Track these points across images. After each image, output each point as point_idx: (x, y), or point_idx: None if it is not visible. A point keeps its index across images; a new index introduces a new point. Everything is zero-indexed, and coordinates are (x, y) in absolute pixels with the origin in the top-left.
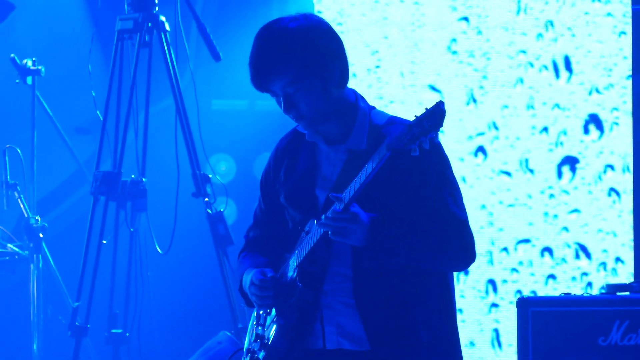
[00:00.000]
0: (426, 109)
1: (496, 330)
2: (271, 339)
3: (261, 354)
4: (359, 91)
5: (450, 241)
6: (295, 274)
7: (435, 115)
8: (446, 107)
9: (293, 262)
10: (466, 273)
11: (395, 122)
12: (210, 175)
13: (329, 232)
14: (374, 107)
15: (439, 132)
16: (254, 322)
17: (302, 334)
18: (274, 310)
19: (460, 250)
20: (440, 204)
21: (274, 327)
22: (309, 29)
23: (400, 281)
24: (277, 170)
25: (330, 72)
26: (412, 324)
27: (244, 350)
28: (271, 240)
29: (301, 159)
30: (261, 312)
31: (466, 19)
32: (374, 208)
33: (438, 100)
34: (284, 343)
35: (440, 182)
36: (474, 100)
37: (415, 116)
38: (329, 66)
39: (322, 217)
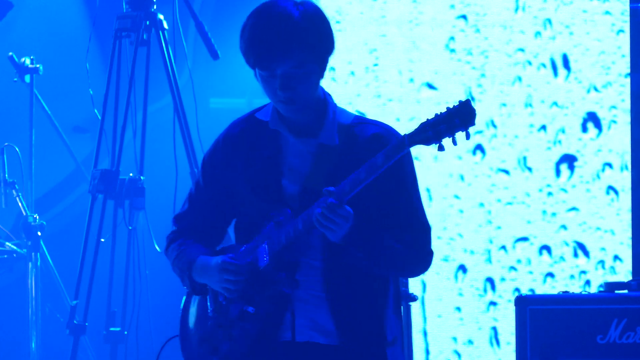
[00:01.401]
0: (448, 107)
1: (494, 329)
2: (238, 328)
3: (224, 344)
4: (358, 90)
5: (416, 252)
6: (268, 262)
7: (465, 112)
8: (445, 105)
9: (263, 251)
10: (464, 271)
11: (366, 122)
12: None
13: (319, 223)
14: (336, 105)
15: (468, 131)
16: (211, 310)
17: (271, 324)
18: (236, 299)
19: (422, 260)
20: (410, 210)
21: (242, 315)
22: (316, 15)
23: (369, 278)
24: (229, 155)
25: (326, 61)
26: (379, 323)
27: (197, 338)
28: (208, 228)
29: (263, 148)
30: (221, 300)
31: (464, 17)
32: (351, 206)
33: (466, 99)
34: (252, 333)
35: (411, 187)
36: (472, 99)
37: (440, 112)
38: (327, 55)
39: (321, 207)
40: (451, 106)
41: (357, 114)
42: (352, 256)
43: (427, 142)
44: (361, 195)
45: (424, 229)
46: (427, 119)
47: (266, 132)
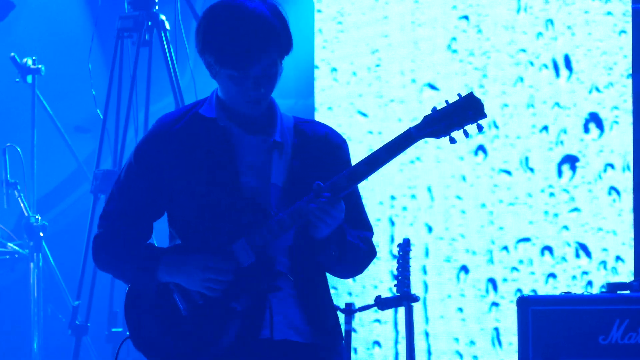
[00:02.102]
0: (447, 101)
1: (496, 329)
2: (222, 326)
3: (208, 342)
4: (360, 90)
5: (368, 250)
6: (254, 260)
7: (474, 104)
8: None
9: (243, 248)
10: (466, 272)
11: (309, 121)
12: None
13: (318, 217)
14: None
15: (480, 123)
16: (184, 309)
17: (253, 322)
18: (215, 297)
19: (369, 259)
20: (359, 210)
21: (229, 313)
22: (282, 13)
23: (324, 277)
24: (170, 151)
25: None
26: (336, 320)
27: (169, 339)
28: (139, 224)
29: (214, 145)
30: (197, 299)
31: (466, 17)
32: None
33: (469, 92)
34: (235, 331)
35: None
36: None
37: (444, 106)
38: (289, 52)
39: (318, 202)
40: (452, 100)
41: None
42: (327, 253)
43: (438, 135)
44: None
45: (371, 229)
46: (432, 112)
47: (214, 128)
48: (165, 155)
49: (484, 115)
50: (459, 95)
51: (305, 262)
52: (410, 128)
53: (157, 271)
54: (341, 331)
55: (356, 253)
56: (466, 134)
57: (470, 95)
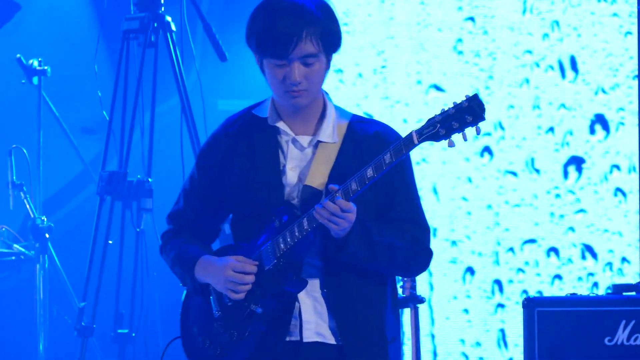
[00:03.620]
0: (455, 103)
1: (502, 331)
2: (247, 329)
3: (233, 345)
4: (365, 91)
5: (417, 250)
6: (275, 263)
7: (475, 107)
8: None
9: (268, 251)
10: (472, 273)
11: (365, 120)
12: None
13: (325, 219)
14: (334, 103)
15: (479, 126)
16: (217, 311)
17: (279, 324)
18: (241, 299)
19: (422, 259)
20: (411, 208)
21: (251, 316)
22: (330, 10)
23: (367, 278)
24: (226, 152)
25: (331, 57)
26: (378, 322)
27: (202, 340)
28: (203, 225)
29: (262, 145)
30: (227, 301)
31: (472, 19)
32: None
33: (474, 93)
34: (261, 333)
35: (412, 184)
36: None
37: (448, 108)
38: (335, 50)
39: (323, 203)
40: (458, 102)
41: (354, 113)
42: (351, 254)
43: (437, 139)
44: (364, 191)
45: (425, 228)
46: (435, 115)
47: (265, 128)
48: (223, 157)
49: (482, 119)
50: (466, 96)
51: (338, 264)
52: (412, 131)
53: (194, 271)
54: (384, 334)
55: (390, 252)
56: (465, 138)
57: (474, 97)
